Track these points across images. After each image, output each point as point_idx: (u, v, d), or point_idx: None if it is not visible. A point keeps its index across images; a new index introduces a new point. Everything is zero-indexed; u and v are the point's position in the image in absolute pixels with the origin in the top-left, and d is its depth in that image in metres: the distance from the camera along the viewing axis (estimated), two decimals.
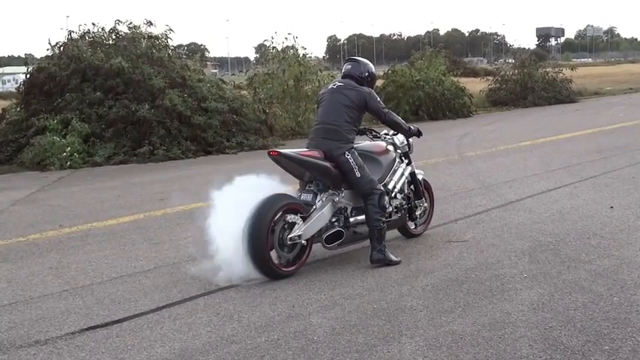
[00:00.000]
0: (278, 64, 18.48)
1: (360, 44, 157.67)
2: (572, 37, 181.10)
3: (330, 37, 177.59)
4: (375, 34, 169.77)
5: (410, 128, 6.67)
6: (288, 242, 5.67)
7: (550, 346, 4.16)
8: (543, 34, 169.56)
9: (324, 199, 5.94)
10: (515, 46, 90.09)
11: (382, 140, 6.79)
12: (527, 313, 4.73)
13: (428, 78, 21.80)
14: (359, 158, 6.03)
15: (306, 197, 5.97)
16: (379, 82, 22.28)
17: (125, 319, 4.87)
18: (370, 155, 6.38)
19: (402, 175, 6.65)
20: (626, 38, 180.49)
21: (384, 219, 6.04)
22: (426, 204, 7.02)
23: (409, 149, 6.89)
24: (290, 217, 5.67)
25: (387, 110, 6.43)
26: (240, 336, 4.49)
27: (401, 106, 20.77)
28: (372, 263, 5.94)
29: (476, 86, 26.12)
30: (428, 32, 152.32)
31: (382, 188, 6.14)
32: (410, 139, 6.88)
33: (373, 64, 6.83)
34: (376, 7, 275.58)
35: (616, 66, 77.07)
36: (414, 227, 6.93)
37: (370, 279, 5.60)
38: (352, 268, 5.91)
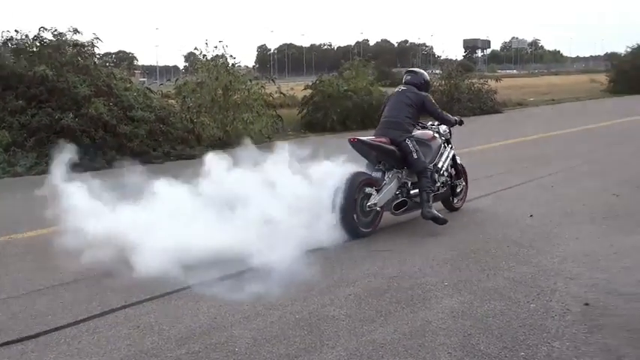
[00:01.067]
0: (207, 72, 18.31)
1: (290, 54, 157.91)
2: (498, 49, 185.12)
3: (260, 47, 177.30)
4: (306, 44, 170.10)
5: (456, 120, 8.46)
6: (367, 209, 7.34)
7: (468, 354, 4.24)
8: (470, 46, 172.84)
9: (390, 176, 7.66)
10: (443, 57, 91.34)
11: (429, 129, 8.44)
12: (447, 321, 4.81)
13: (356, 88, 21.92)
14: (416, 144, 7.71)
15: (377, 175, 7.67)
16: (307, 92, 22.38)
17: (42, 334, 4.75)
18: (423, 141, 8.03)
19: (448, 157, 8.33)
20: (549, 50, 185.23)
21: (432, 187, 7.75)
22: (463, 183, 8.73)
23: (450, 136, 8.64)
24: (367, 189, 7.34)
25: (440, 111, 8.21)
26: (160, 349, 4.43)
27: (329, 115, 20.84)
28: (424, 218, 7.61)
29: None
30: (358, 42, 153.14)
31: (432, 167, 7.90)
32: (451, 128, 8.61)
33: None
34: (306, 17, 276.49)
35: (539, 77, 79.05)
36: (455, 202, 8.66)
37: (293, 289, 5.59)
38: (275, 279, 5.89)
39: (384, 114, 8.04)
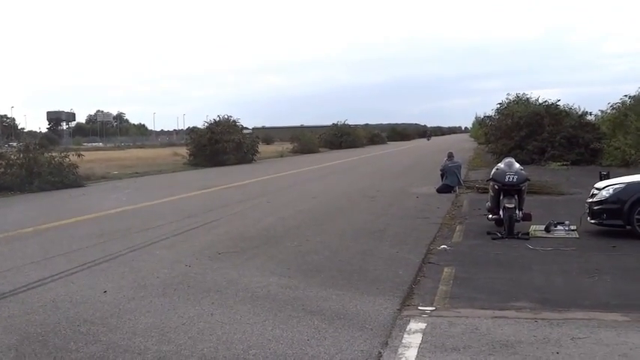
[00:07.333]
0: None
1: None
2: (84, 122, 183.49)
3: None
4: None
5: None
6: None
7: None
8: (54, 118, 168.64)
9: None
10: (27, 129, 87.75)
11: None
12: None
13: None
14: None
15: None
16: None
17: None
18: None
19: None
20: (134, 124, 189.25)
21: None
22: None
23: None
24: None
25: None
26: None
27: None
28: None
29: None
30: None
31: None
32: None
33: None
34: None
35: (125, 150, 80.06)
36: None
37: None
38: None
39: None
